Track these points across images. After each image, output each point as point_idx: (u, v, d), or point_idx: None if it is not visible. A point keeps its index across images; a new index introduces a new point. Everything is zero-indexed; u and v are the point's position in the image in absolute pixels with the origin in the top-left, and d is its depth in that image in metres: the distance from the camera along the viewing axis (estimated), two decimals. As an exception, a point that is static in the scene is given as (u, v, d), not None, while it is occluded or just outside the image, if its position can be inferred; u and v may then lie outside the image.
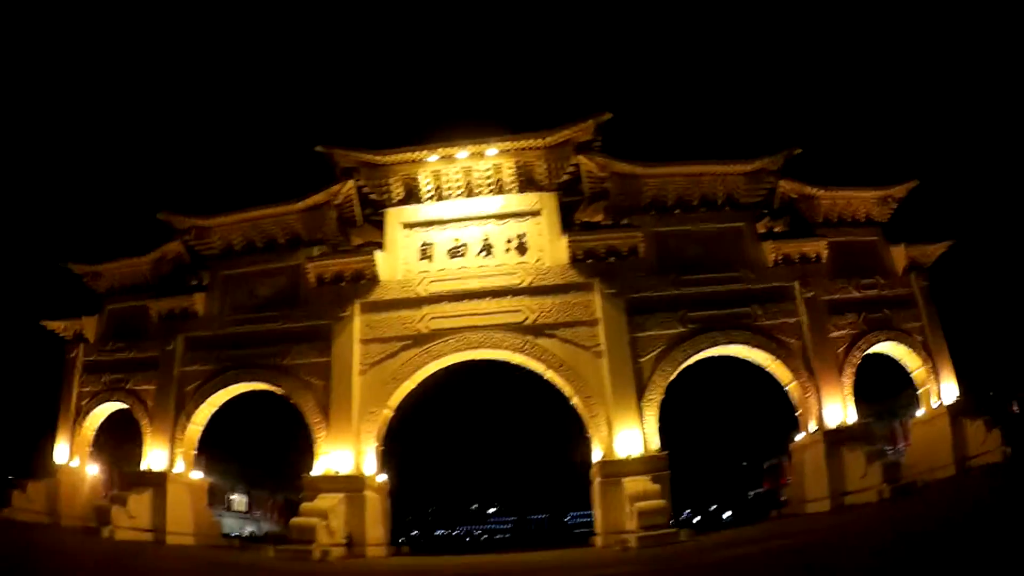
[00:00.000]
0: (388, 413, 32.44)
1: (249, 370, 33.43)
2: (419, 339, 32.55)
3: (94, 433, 37.06)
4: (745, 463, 64.37)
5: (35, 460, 36.71)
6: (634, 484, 29.83)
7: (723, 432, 58.92)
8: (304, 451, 33.10)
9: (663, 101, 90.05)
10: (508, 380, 39.27)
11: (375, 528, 31.73)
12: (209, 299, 35.08)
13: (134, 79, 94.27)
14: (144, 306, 35.84)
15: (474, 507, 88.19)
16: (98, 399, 36.21)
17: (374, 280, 33.27)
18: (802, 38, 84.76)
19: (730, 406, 54.53)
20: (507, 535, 76.50)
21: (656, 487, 29.76)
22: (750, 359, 34.59)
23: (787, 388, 34.39)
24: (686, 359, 33.00)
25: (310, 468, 31.77)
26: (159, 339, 35.13)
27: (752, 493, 61.43)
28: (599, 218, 34.94)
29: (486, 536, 76.01)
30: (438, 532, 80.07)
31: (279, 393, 33.39)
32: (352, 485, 30.84)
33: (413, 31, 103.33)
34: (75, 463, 36.41)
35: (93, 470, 37.54)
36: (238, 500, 61.54)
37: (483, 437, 67.63)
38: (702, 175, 34.84)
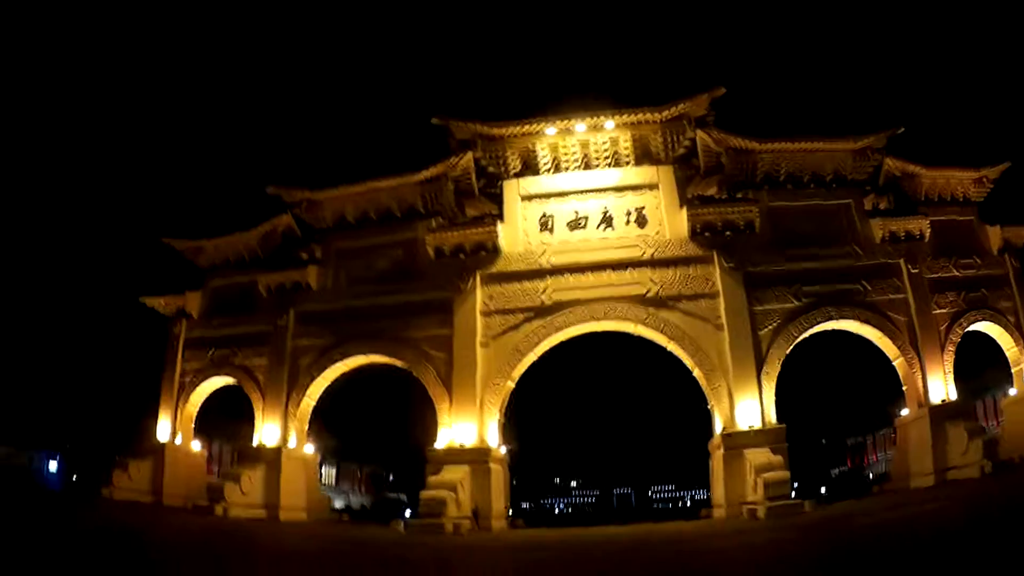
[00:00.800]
0: (511, 385, 31.98)
1: (368, 342, 32.83)
2: (542, 311, 32.12)
3: (197, 410, 36.25)
4: (824, 441, 64.07)
5: (136, 438, 35.77)
6: (757, 456, 29.64)
7: (801, 411, 58.86)
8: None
9: (763, 77, 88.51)
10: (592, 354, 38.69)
11: (498, 500, 31.24)
12: (322, 272, 34.42)
13: (241, 51, 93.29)
14: (252, 280, 35.10)
15: (556, 480, 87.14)
16: (203, 375, 35.38)
17: (495, 252, 32.82)
18: (904, 17, 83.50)
19: (806, 386, 54.56)
20: (591, 508, 75.95)
21: (779, 458, 29.62)
22: (860, 334, 34.57)
23: (895, 363, 34.36)
24: (801, 333, 32.83)
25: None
26: (269, 313, 34.40)
27: (836, 471, 60.83)
28: (712, 192, 34.69)
29: (571, 509, 75.44)
30: (523, 505, 78.96)
31: (399, 365, 32.83)
32: (477, 457, 30.34)
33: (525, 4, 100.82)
34: (179, 440, 35.57)
35: (196, 447, 36.70)
36: (326, 473, 60.08)
37: (564, 410, 66.68)
38: (812, 152, 34.68)
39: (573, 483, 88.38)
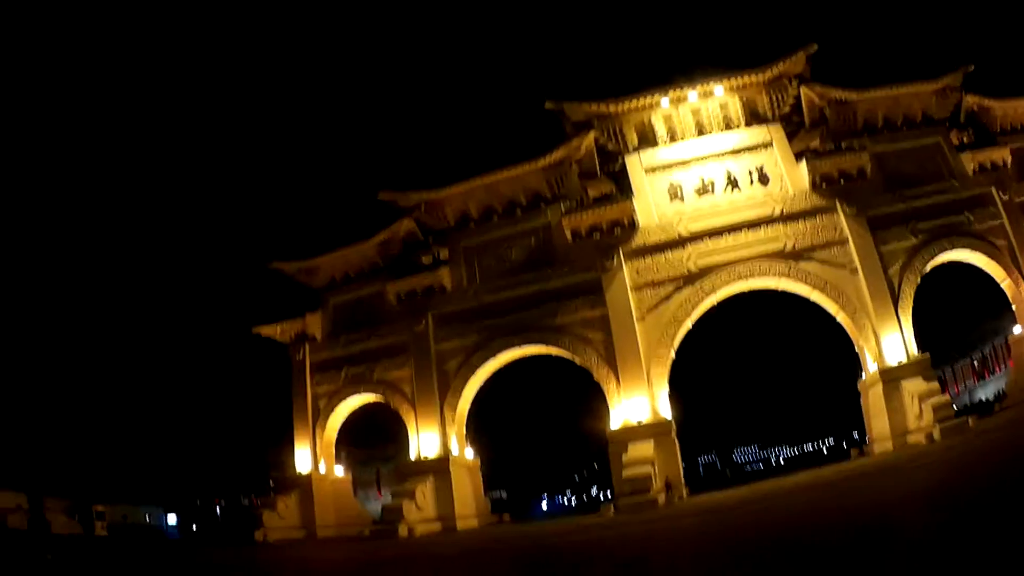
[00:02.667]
0: (672, 355, 31.25)
1: (518, 335, 31.49)
2: (690, 278, 31.50)
3: (336, 434, 34.08)
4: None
5: (275, 473, 33.44)
6: (914, 385, 29.85)
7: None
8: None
9: (834, 27, 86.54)
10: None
11: (679, 470, 30.43)
12: (454, 272, 32.90)
13: (330, 59, 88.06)
14: (378, 291, 33.29)
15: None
16: (339, 396, 33.30)
17: (632, 227, 32.03)
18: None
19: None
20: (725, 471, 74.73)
21: (935, 384, 30.07)
22: (971, 262, 35.37)
23: (1003, 285, 35.22)
24: (924, 267, 33.24)
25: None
26: (403, 321, 32.67)
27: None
28: (816, 144, 34.81)
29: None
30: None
31: (557, 355, 31.61)
32: (659, 430, 29.47)
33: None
34: (322, 468, 33.33)
35: (340, 472, 34.47)
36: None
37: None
38: (901, 96, 35.22)
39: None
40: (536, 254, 32.57)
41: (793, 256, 32.18)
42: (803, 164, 32.96)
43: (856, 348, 32.45)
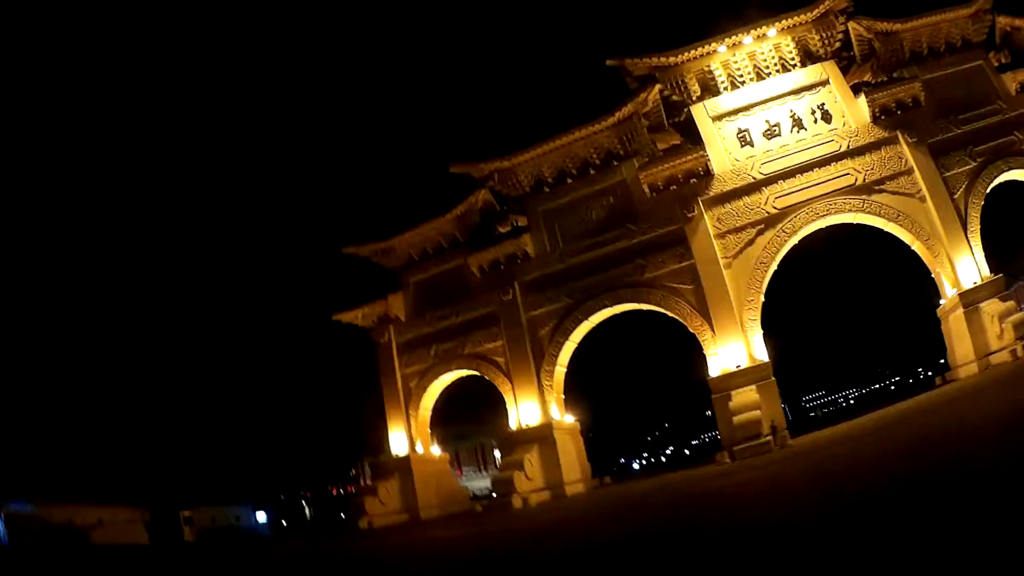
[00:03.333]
0: (762, 299, 31.60)
1: (608, 295, 31.57)
2: (770, 221, 31.79)
3: (430, 413, 33.94)
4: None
5: (371, 459, 33.26)
6: (992, 306, 30.61)
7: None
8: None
9: None
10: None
11: (781, 413, 30.86)
12: (536, 238, 32.76)
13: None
14: (459, 265, 33.09)
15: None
16: (431, 374, 33.13)
17: (708, 176, 32.16)
18: None
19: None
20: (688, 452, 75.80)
21: (1012, 303, 30.92)
22: (1025, 181, 36.22)
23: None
24: (985, 189, 33.98)
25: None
26: (488, 293, 32.52)
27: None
28: (867, 77, 35.30)
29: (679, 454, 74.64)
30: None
31: (649, 309, 31.76)
32: (759, 375, 29.86)
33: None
34: (419, 449, 33.21)
35: (437, 452, 34.37)
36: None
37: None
38: (941, 23, 35.79)
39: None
40: (616, 212, 32.56)
41: (865, 190, 32.61)
42: (861, 98, 33.29)
43: (933, 275, 33.13)
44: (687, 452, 79.02)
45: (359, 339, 34.48)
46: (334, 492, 49.76)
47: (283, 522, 44.04)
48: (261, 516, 42.31)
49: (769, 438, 27.37)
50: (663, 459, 78.68)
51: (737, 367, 30.07)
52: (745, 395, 28.78)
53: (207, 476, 40.72)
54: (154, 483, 38.38)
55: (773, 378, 30.22)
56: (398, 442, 33.08)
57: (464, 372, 33.01)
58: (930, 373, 58.94)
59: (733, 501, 13.61)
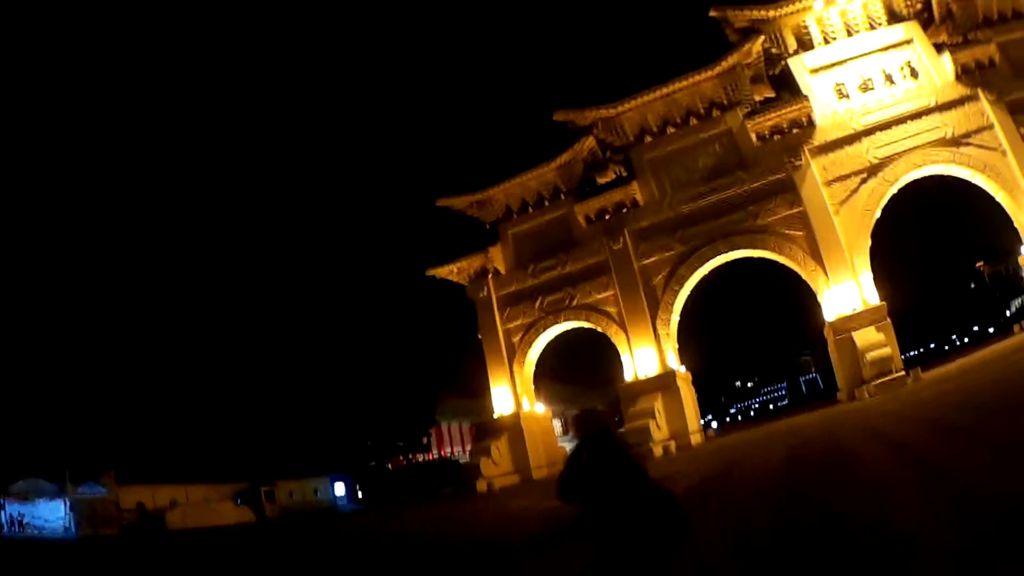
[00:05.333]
0: (869, 242, 32.24)
1: (722, 241, 31.52)
2: (872, 170, 32.44)
3: (533, 368, 32.97)
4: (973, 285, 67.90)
5: (477, 420, 32.03)
6: None
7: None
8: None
9: None
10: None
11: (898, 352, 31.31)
12: (644, 186, 32.44)
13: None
14: (563, 215, 32.43)
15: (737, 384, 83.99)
16: (536, 328, 32.23)
17: (811, 126, 32.58)
18: None
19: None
20: (785, 401, 76.01)
21: (1094, 246, 32.88)
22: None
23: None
24: (1058, 145, 36.02)
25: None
26: (596, 242, 31.98)
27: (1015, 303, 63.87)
28: (943, 38, 36.87)
29: (773, 406, 74.90)
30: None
31: (762, 256, 31.88)
32: (877, 316, 30.33)
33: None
34: (526, 406, 32.21)
35: (540, 409, 33.36)
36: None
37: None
38: (1006, -11, 38.00)
39: (749, 384, 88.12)
40: (723, 160, 32.61)
41: (953, 143, 33.73)
42: (945, 56, 34.67)
43: (1016, 225, 34.59)
44: (771, 406, 79.68)
45: (449, 296, 33.33)
46: (403, 462, 47.87)
47: (359, 494, 41.87)
48: (340, 488, 40.12)
49: (902, 373, 27.81)
50: (751, 412, 79.21)
51: (853, 310, 30.49)
52: (870, 334, 29.18)
53: (281, 448, 38.31)
54: (229, 457, 35.86)
55: (888, 319, 30.83)
56: (502, 400, 31.96)
57: (574, 324, 32.29)
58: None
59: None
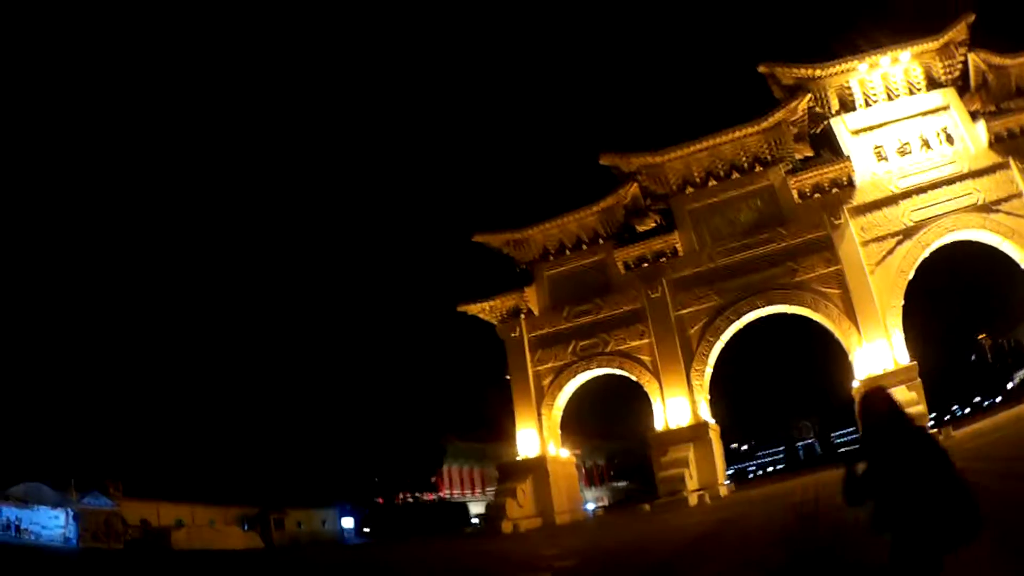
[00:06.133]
0: (902, 303, 32.69)
1: (759, 295, 31.75)
2: (907, 232, 32.86)
3: (561, 412, 32.82)
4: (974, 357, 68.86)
5: (502, 461, 31.76)
6: None
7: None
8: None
9: None
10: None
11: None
12: (684, 236, 32.62)
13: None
14: (601, 260, 32.51)
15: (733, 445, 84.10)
16: (568, 372, 32.15)
17: (851, 186, 33.08)
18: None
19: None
20: (782, 465, 76.44)
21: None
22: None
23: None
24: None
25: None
26: (633, 289, 32.06)
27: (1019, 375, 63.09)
28: (976, 107, 37.72)
29: (772, 468, 75.21)
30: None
31: (794, 312, 32.17)
32: (908, 376, 30.73)
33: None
34: (551, 449, 32.02)
35: (564, 454, 33.18)
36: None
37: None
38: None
39: (743, 447, 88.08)
40: (764, 215, 32.90)
41: (984, 209, 34.33)
42: (979, 124, 35.46)
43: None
44: (769, 468, 79.94)
45: (466, 336, 33.17)
46: (409, 499, 47.24)
47: (366, 529, 41.15)
48: (348, 522, 39.34)
49: (936, 430, 28.27)
50: (749, 473, 79.35)
51: (884, 369, 30.88)
52: (902, 393, 29.52)
53: (290, 475, 37.56)
54: (237, 480, 35.04)
55: (919, 379, 31.26)
56: (527, 441, 31.77)
57: (606, 370, 32.25)
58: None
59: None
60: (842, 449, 74.86)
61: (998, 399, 55.01)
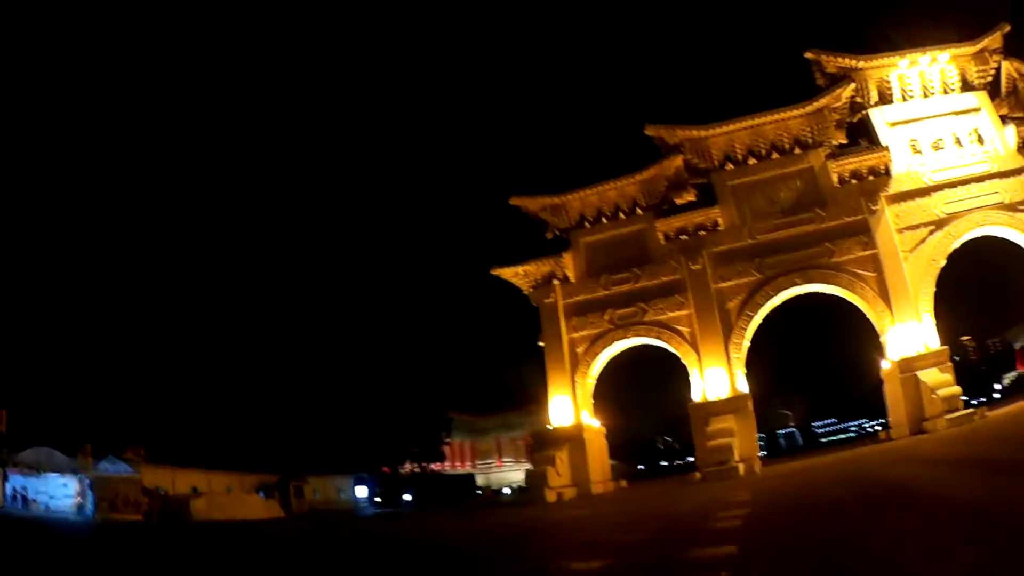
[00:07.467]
0: (933, 289, 33.47)
1: (800, 273, 32.37)
2: (939, 223, 33.68)
3: (596, 381, 32.80)
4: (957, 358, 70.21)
5: (535, 429, 31.62)
6: None
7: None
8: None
9: None
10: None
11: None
12: (725, 211, 33.08)
13: None
14: (641, 230, 32.77)
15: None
16: (604, 340, 32.19)
17: (887, 175, 33.97)
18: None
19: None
20: (764, 453, 76.78)
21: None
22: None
23: None
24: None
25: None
26: (672, 260, 32.37)
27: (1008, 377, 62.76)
28: (1004, 112, 39.23)
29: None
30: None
31: (831, 292, 32.78)
32: (940, 359, 31.43)
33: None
34: (585, 418, 31.95)
35: (596, 424, 33.08)
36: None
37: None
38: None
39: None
40: (804, 196, 33.48)
41: (1010, 208, 35.33)
42: (1009, 128, 36.74)
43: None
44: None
45: (489, 312, 33.14)
46: (417, 470, 46.75)
47: (378, 498, 40.38)
48: (361, 490, 38.53)
49: (971, 410, 28.99)
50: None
51: (917, 352, 31.62)
52: (936, 375, 30.26)
53: (305, 443, 36.72)
54: (253, 447, 34.13)
55: (951, 362, 32.06)
56: (560, 410, 31.68)
57: (644, 340, 32.41)
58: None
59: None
60: (824, 439, 76.01)
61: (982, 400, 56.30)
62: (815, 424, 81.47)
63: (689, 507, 16.46)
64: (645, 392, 44.14)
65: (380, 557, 12.85)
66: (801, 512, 11.23)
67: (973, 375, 68.61)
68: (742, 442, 29.68)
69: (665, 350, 34.11)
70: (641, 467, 61.24)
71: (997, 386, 66.40)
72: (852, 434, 78.49)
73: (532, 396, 50.00)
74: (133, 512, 29.62)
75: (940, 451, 18.88)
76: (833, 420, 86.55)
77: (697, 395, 31.14)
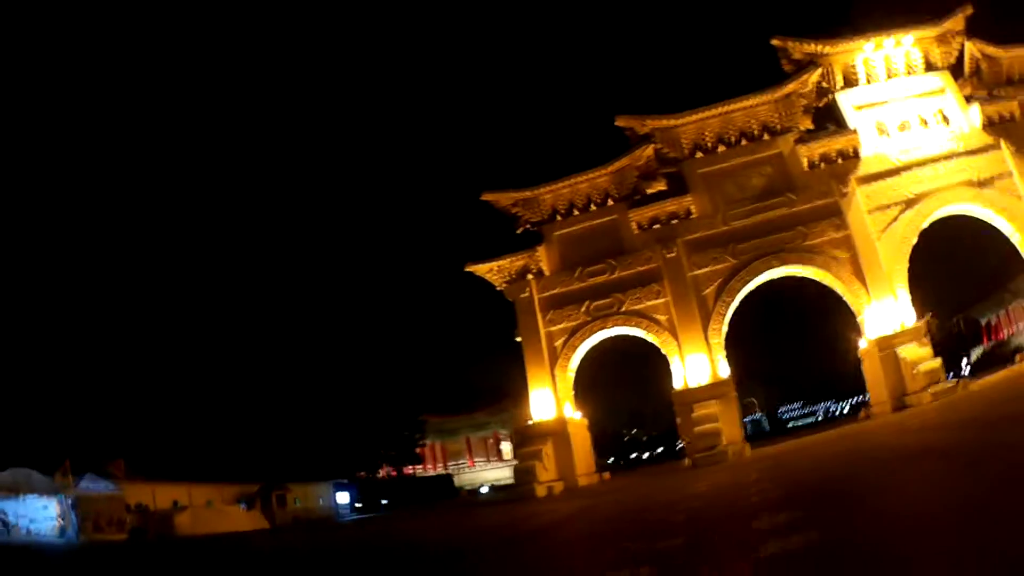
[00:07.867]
0: (907, 265, 33.84)
1: (773, 257, 32.62)
2: (909, 202, 34.14)
3: (575, 373, 32.80)
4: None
5: (517, 424, 31.59)
6: None
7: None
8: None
9: None
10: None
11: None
12: (698, 199, 33.28)
13: None
14: (613, 221, 32.88)
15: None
16: (582, 332, 32.22)
17: (856, 157, 34.37)
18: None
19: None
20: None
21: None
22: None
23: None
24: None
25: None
26: (649, 250, 32.51)
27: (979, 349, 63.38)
28: (968, 92, 39.90)
29: None
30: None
31: (806, 275, 33.05)
32: (919, 334, 31.82)
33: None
34: (568, 411, 31.92)
35: (577, 416, 33.05)
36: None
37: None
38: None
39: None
40: (774, 181, 33.75)
41: (978, 185, 35.94)
42: (974, 107, 37.38)
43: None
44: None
45: (457, 312, 33.11)
46: (393, 473, 46.49)
47: (359, 504, 39.95)
48: (343, 497, 38.13)
49: (953, 383, 29.33)
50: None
51: (894, 329, 31.96)
52: (915, 350, 30.60)
53: (284, 450, 36.30)
54: (232, 457, 33.66)
55: (928, 337, 32.41)
56: (542, 404, 31.62)
57: (622, 329, 32.48)
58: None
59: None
60: (791, 424, 76.08)
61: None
62: (781, 410, 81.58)
63: (705, 488, 16.54)
64: (609, 388, 44.33)
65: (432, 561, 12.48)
66: (832, 481, 11.46)
67: (941, 351, 68.94)
68: (727, 427, 29.78)
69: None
70: (611, 459, 61.57)
71: (965, 360, 66.79)
72: (819, 418, 78.87)
73: (501, 394, 50.51)
74: (117, 532, 28.75)
75: (935, 419, 19.14)
76: (798, 404, 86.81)
77: (679, 382, 31.22)
